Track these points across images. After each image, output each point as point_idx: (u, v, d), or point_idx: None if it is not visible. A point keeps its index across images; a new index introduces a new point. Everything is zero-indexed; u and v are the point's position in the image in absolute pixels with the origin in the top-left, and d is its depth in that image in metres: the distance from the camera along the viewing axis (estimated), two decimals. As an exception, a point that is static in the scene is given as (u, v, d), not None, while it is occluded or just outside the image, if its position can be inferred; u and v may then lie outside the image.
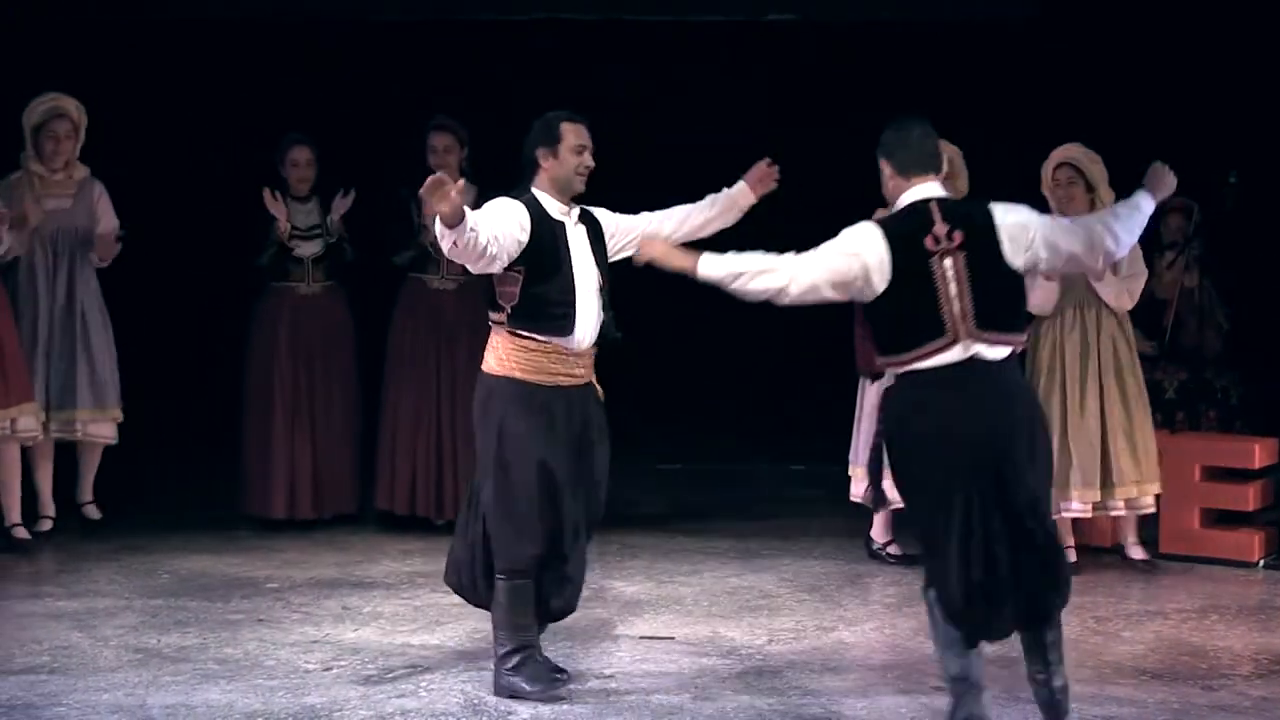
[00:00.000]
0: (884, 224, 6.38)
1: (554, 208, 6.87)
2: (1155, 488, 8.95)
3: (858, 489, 9.12)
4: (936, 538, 6.23)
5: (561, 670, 6.90)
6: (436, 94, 11.07)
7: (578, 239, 6.91)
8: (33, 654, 7.43)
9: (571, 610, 7.05)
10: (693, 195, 12.49)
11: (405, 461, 9.80)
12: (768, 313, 12.63)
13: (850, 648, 7.64)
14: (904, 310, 6.23)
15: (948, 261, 6.21)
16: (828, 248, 6.41)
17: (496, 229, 6.65)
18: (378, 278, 10.09)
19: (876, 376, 7.07)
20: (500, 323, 6.86)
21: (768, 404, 12.29)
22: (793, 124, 12.07)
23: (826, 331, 12.24)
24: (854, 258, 6.28)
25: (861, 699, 6.91)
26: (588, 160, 6.94)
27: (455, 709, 6.74)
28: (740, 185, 7.63)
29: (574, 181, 6.92)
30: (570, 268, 6.82)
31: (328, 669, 7.24)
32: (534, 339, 6.80)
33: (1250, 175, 9.39)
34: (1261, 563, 9.16)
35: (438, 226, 6.53)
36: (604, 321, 6.94)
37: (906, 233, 6.27)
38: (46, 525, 9.63)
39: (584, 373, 6.94)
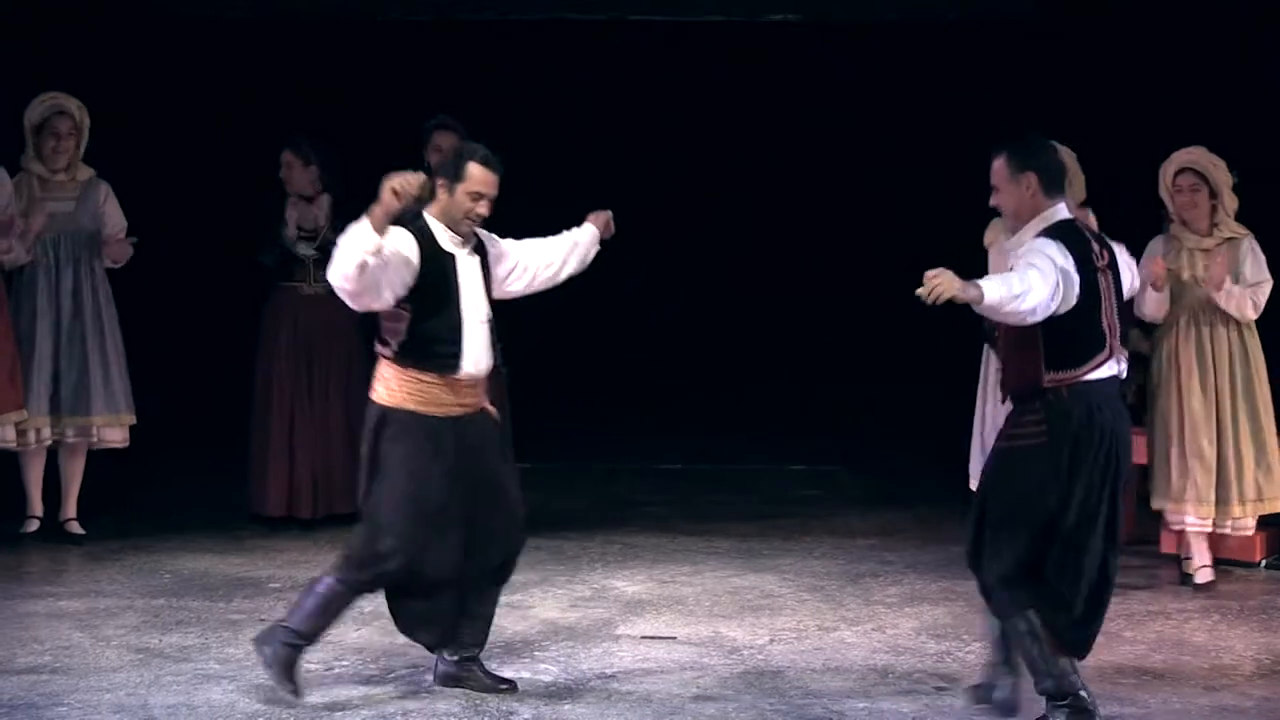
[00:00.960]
0: (1059, 239, 6.38)
1: (445, 237, 6.71)
2: (1263, 508, 8.75)
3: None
4: (1071, 547, 6.39)
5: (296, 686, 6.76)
6: (436, 94, 11.07)
7: (469, 271, 6.76)
8: (34, 654, 7.43)
9: (480, 645, 6.93)
10: (691, 191, 12.56)
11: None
12: (768, 313, 12.69)
13: (852, 648, 7.64)
14: (1080, 324, 6.39)
15: (1103, 280, 6.45)
16: (1042, 264, 6.30)
17: (391, 266, 6.51)
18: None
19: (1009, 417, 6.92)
20: (387, 357, 6.72)
21: (769, 404, 12.30)
22: (793, 123, 12.07)
23: (827, 332, 12.30)
24: (1063, 273, 6.32)
25: (863, 699, 6.90)
26: (481, 210, 6.72)
27: (456, 709, 6.74)
28: (590, 232, 7.29)
29: (461, 224, 6.73)
30: (458, 303, 6.68)
31: (329, 669, 7.24)
32: (423, 376, 6.68)
33: (1251, 175, 9.38)
34: (1263, 563, 9.15)
35: (361, 233, 6.37)
36: (495, 354, 6.83)
37: (1080, 249, 6.41)
38: (33, 526, 9.59)
39: (475, 401, 6.81)
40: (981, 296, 6.16)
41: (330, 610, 6.80)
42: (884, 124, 12.04)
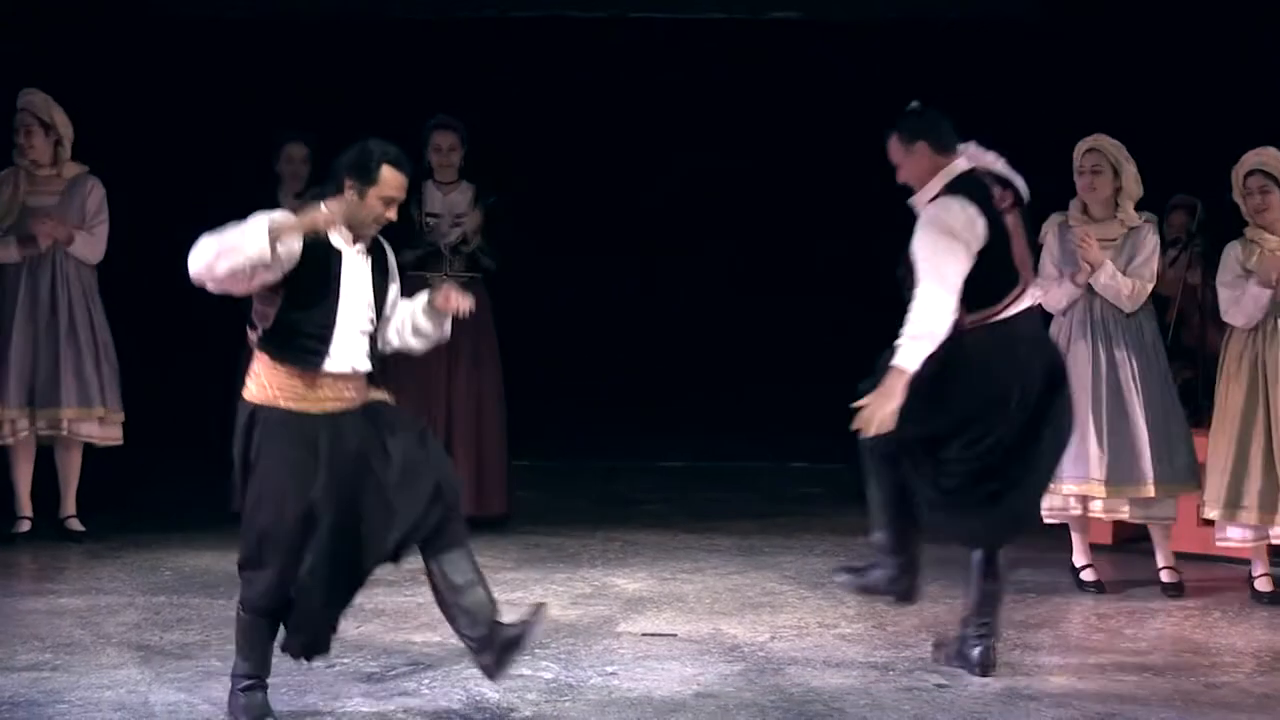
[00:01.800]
0: (963, 191, 6.81)
1: (335, 234, 6.33)
2: None
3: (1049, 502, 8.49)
4: (956, 455, 6.89)
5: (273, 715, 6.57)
6: (436, 93, 11.08)
7: (355, 269, 6.37)
8: (35, 651, 7.43)
9: (489, 619, 6.53)
10: (691, 189, 12.56)
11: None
12: (769, 311, 12.70)
13: (853, 645, 7.64)
14: (992, 265, 6.78)
15: (1009, 218, 6.86)
16: (943, 250, 6.68)
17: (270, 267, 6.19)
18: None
19: None
20: (254, 344, 6.38)
21: (769, 402, 12.30)
22: (793, 122, 12.07)
23: (828, 331, 12.29)
24: (964, 242, 6.72)
25: (864, 696, 6.91)
26: (391, 215, 6.35)
27: (458, 706, 6.74)
28: (421, 303, 6.68)
29: (367, 228, 6.36)
30: (335, 300, 6.29)
31: (330, 666, 7.23)
32: (286, 369, 6.32)
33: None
34: (1263, 561, 9.14)
35: (262, 236, 6.04)
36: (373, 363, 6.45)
37: (982, 195, 6.82)
38: (25, 526, 9.57)
39: (355, 394, 6.41)
40: (908, 369, 6.59)
41: (252, 638, 6.52)
42: (884, 123, 12.03)
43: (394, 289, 6.60)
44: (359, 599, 8.25)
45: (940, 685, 7.04)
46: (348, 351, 6.35)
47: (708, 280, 12.49)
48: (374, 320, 6.46)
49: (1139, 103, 10.85)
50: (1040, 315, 7.04)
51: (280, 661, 7.29)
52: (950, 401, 6.81)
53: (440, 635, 7.62)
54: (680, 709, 6.74)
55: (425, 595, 8.31)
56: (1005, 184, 6.92)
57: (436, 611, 7.99)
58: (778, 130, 12.12)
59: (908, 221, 12.10)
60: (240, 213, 9.83)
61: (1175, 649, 7.62)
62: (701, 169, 12.49)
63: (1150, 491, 8.49)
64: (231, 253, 6.10)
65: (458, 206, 9.75)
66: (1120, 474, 8.49)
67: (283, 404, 6.34)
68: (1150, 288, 8.57)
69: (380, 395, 6.57)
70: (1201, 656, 7.50)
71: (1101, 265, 8.46)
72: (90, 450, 9.63)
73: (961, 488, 6.93)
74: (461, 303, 6.59)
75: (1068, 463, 8.21)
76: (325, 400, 6.36)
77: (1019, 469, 6.90)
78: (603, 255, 12.50)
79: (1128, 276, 8.48)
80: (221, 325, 10.86)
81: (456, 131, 9.85)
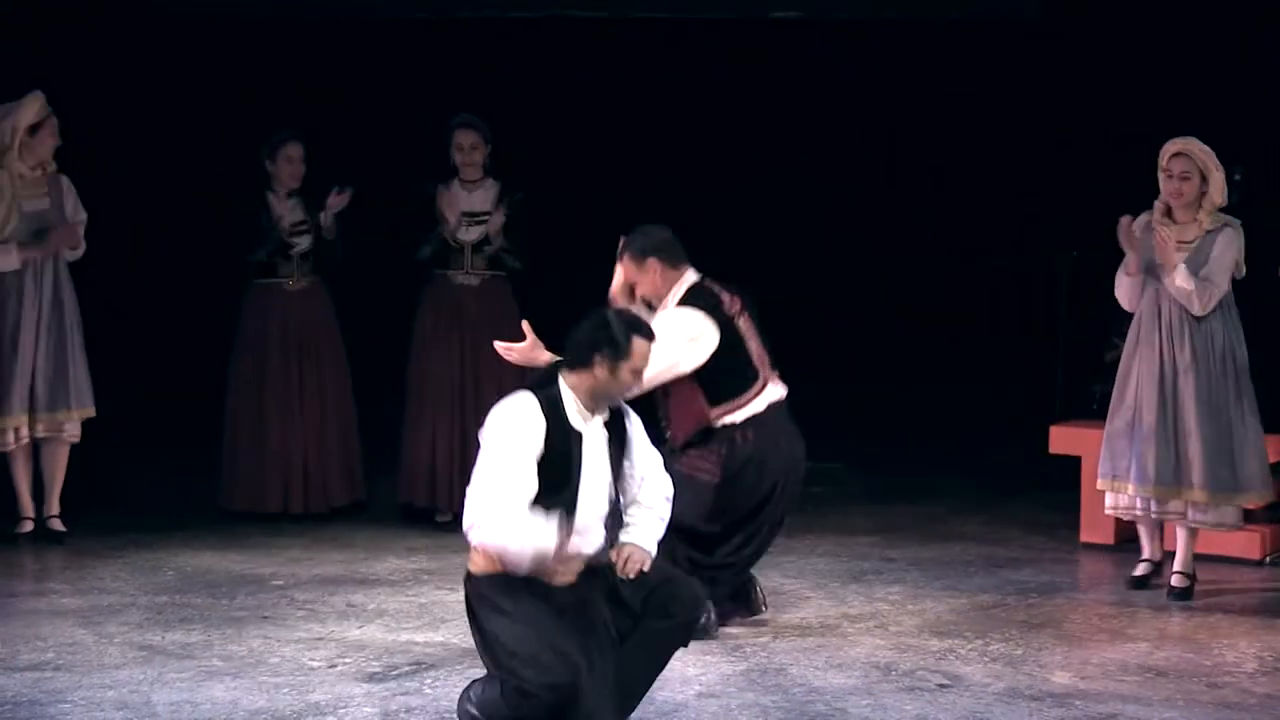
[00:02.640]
0: (694, 303, 7.52)
1: (575, 412, 6.12)
2: None
3: (1116, 500, 8.61)
4: (754, 534, 7.65)
5: None
6: (437, 92, 11.09)
7: (595, 445, 6.15)
8: (38, 650, 7.43)
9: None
10: (690, 189, 12.56)
11: (427, 455, 9.81)
12: (768, 311, 12.64)
13: (855, 645, 7.64)
14: (731, 363, 7.54)
15: (741, 321, 7.61)
16: (664, 361, 7.17)
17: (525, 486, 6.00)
18: (393, 273, 10.11)
19: (688, 445, 7.62)
20: None
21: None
22: (792, 121, 12.08)
23: (828, 330, 12.30)
24: (686, 352, 7.43)
25: (866, 696, 6.91)
26: (639, 386, 6.31)
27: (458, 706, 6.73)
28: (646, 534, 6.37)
29: (614, 401, 6.20)
30: (577, 482, 6.07)
31: (332, 666, 7.24)
32: None
33: (1254, 172, 9.40)
34: (1266, 560, 9.15)
35: (544, 544, 5.93)
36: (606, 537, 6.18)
37: (712, 303, 7.54)
38: (27, 527, 9.52)
39: (580, 567, 6.12)
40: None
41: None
42: (884, 122, 12.05)
43: (636, 450, 6.30)
44: (362, 599, 8.32)
45: (942, 685, 7.04)
46: (589, 531, 6.11)
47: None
48: (613, 498, 6.19)
49: (1139, 103, 10.86)
50: (786, 407, 7.72)
51: (282, 661, 7.31)
52: (731, 500, 7.56)
53: (442, 635, 7.62)
54: (681, 709, 6.74)
55: (427, 596, 8.34)
56: (733, 291, 7.62)
57: (438, 611, 8.03)
58: (778, 130, 12.13)
59: (907, 222, 12.13)
60: (238, 214, 9.94)
61: (1177, 649, 7.61)
62: (700, 168, 12.50)
63: (1199, 497, 8.42)
64: (525, 546, 5.94)
65: (480, 204, 9.79)
66: (1171, 476, 8.41)
67: (509, 572, 6.07)
68: (1220, 292, 8.43)
69: (611, 564, 6.21)
70: (1204, 656, 7.50)
71: (1175, 269, 8.38)
72: (88, 450, 9.60)
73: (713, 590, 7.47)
74: (630, 570, 6.23)
75: (1131, 464, 8.35)
76: (553, 574, 6.08)
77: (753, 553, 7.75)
78: (601, 256, 12.49)
79: (1199, 282, 8.38)
80: (220, 325, 10.92)
81: (478, 130, 9.85)
